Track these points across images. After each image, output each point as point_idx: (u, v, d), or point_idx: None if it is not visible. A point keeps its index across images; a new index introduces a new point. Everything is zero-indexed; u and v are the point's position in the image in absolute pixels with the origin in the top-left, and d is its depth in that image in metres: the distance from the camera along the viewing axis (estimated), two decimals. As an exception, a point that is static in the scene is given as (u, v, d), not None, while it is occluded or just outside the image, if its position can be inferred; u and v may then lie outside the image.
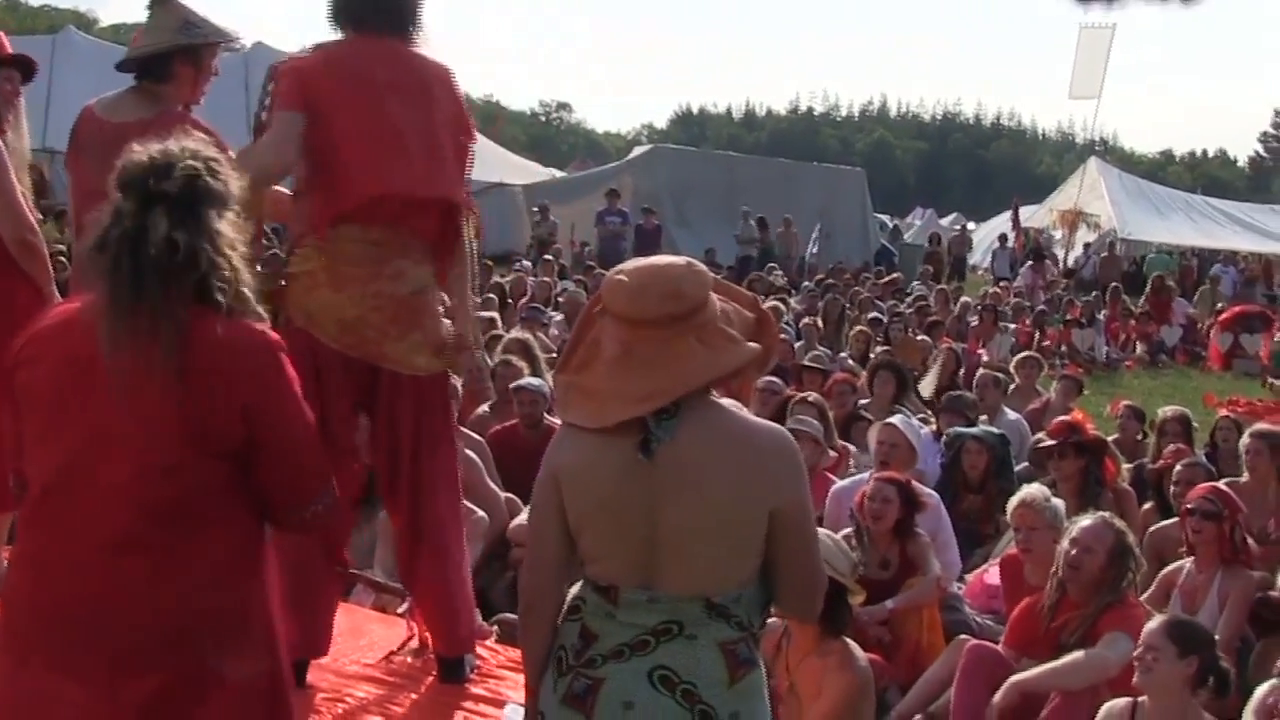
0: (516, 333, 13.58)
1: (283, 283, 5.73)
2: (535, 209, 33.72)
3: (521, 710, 5.62)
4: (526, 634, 3.94)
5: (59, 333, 3.62)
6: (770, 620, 3.91)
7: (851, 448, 11.42)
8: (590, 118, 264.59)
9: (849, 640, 6.27)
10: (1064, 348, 23.81)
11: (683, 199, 37.75)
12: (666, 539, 3.53)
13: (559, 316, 18.37)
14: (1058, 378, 15.80)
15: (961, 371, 16.67)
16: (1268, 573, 8.40)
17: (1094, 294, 29.41)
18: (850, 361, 17.05)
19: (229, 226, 3.62)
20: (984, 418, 12.95)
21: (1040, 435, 11.52)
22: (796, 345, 17.37)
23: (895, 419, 10.11)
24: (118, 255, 3.44)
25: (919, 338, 18.59)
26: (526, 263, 27.52)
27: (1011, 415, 13.51)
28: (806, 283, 28.24)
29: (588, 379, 3.65)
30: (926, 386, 13.68)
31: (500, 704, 6.00)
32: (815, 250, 35.31)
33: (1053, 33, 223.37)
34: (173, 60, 6.31)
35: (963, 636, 7.53)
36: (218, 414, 3.52)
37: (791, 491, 3.63)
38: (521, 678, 6.11)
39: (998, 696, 6.67)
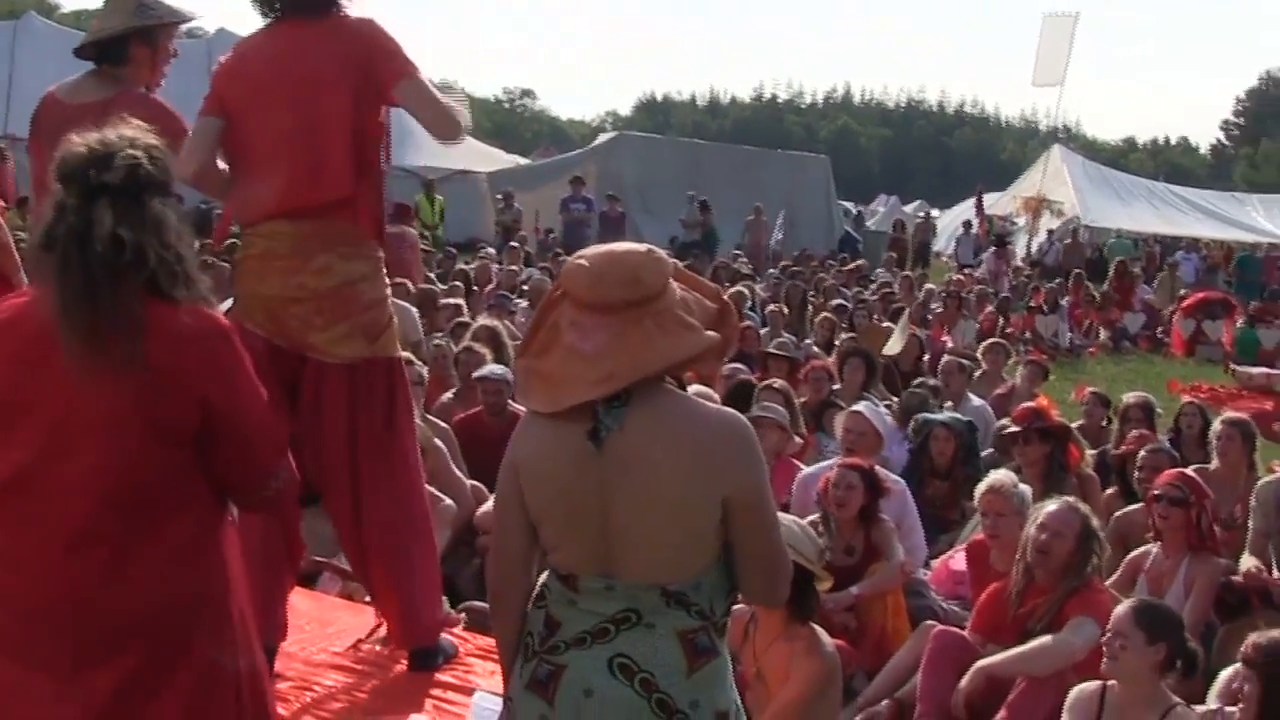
0: (485, 320, 13.51)
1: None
2: (500, 196, 33.63)
3: (490, 697, 5.66)
4: (497, 622, 3.98)
5: (6, 331, 3.59)
6: (737, 606, 3.90)
7: (825, 436, 11.42)
8: (554, 105, 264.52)
9: (816, 626, 6.28)
10: (1028, 334, 23.91)
11: (647, 186, 37.71)
12: (618, 528, 3.54)
13: (525, 304, 18.31)
14: (1023, 364, 15.82)
15: (926, 358, 16.73)
16: (1231, 559, 8.46)
17: (1057, 281, 29.53)
18: (815, 348, 17.06)
19: (173, 212, 3.60)
20: (949, 404, 12.99)
21: (1005, 421, 11.55)
22: (762, 332, 17.35)
23: (861, 406, 10.13)
24: (66, 254, 3.41)
25: (884, 325, 18.61)
26: (491, 249, 27.48)
27: (976, 401, 13.54)
28: (771, 269, 28.25)
29: (545, 363, 3.65)
30: (895, 344, 13.65)
31: (469, 691, 5.97)
32: (780, 237, 35.34)
33: (1016, 20, 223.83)
34: (129, 43, 6.32)
35: (929, 622, 7.55)
36: (175, 403, 3.52)
37: (745, 478, 3.61)
38: (491, 665, 6.19)
39: (964, 681, 6.71)
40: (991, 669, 6.70)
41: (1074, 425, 10.73)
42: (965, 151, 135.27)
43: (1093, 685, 6.20)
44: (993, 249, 36.29)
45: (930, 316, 22.25)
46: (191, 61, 8.24)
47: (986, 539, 7.88)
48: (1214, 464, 9.64)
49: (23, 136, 6.82)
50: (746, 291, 20.13)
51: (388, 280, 6.08)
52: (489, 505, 9.03)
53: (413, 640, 6.27)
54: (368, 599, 7.02)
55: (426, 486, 6.53)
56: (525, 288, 19.75)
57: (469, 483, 9.38)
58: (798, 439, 10.78)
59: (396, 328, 6.16)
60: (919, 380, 14.01)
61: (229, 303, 6.16)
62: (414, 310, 14.47)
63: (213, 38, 28.36)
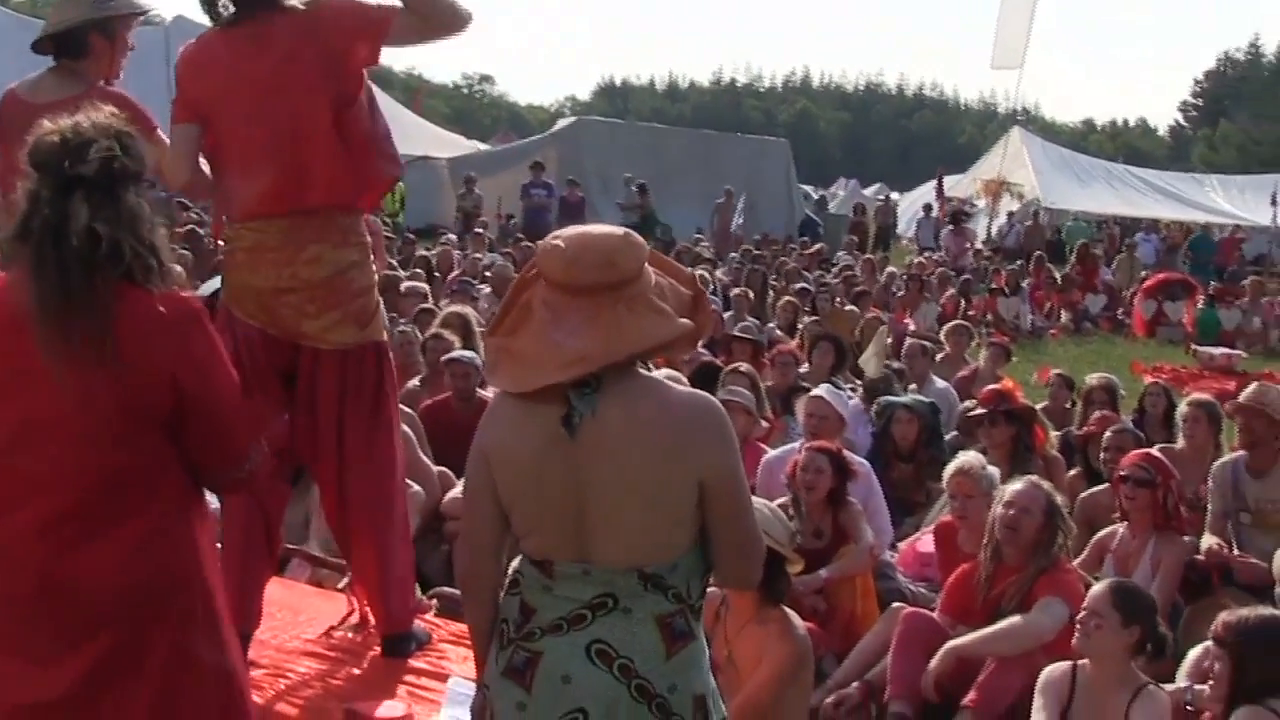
0: (455, 307, 13.47)
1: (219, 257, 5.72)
2: (462, 181, 33.56)
3: (465, 683, 5.66)
4: (469, 608, 3.97)
5: None
6: (708, 590, 3.90)
7: (791, 420, 11.43)
8: (513, 90, 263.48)
9: (788, 609, 6.29)
10: (989, 316, 23.96)
11: (607, 171, 37.68)
12: (594, 513, 3.54)
13: (487, 289, 18.27)
14: (985, 346, 15.88)
15: (889, 341, 16.76)
16: (1198, 539, 8.51)
17: (1018, 263, 29.65)
18: (778, 332, 17.07)
19: (146, 203, 3.61)
20: (913, 386, 13.03)
21: (969, 403, 11.59)
22: (726, 316, 17.35)
23: (822, 389, 10.15)
24: (40, 248, 3.42)
25: (848, 308, 18.64)
26: (452, 235, 27.41)
27: (940, 384, 13.59)
28: (733, 254, 28.27)
29: (516, 343, 3.64)
30: (870, 363, 13.67)
31: (443, 677, 5.96)
32: (740, 222, 35.35)
33: (975, 3, 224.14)
34: (87, 35, 6.30)
35: (897, 604, 7.58)
36: (148, 387, 3.53)
37: (719, 459, 3.61)
38: (464, 651, 6.18)
39: (934, 663, 6.73)
40: (961, 650, 6.73)
41: (1038, 407, 10.75)
42: (924, 134, 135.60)
43: (1064, 665, 6.23)
44: (949, 228, 36.45)
45: (892, 300, 22.30)
46: (149, 51, 8.19)
47: (955, 521, 7.90)
48: (1180, 444, 9.69)
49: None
50: (707, 275, 20.12)
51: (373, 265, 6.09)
52: (456, 492, 9.04)
53: (388, 622, 6.27)
54: (340, 585, 7.04)
55: None
56: (488, 274, 19.69)
57: (436, 469, 9.35)
58: (763, 422, 10.79)
59: (382, 311, 6.16)
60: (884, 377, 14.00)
61: (214, 282, 6.16)
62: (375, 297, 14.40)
63: (170, 26, 28.11)
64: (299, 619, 6.64)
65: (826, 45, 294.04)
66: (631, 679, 3.54)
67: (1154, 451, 8.63)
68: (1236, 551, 8.48)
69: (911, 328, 19.26)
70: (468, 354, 10.72)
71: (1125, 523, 8.19)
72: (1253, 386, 9.35)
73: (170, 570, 3.68)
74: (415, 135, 34.26)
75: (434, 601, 7.10)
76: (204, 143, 5.70)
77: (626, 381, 3.57)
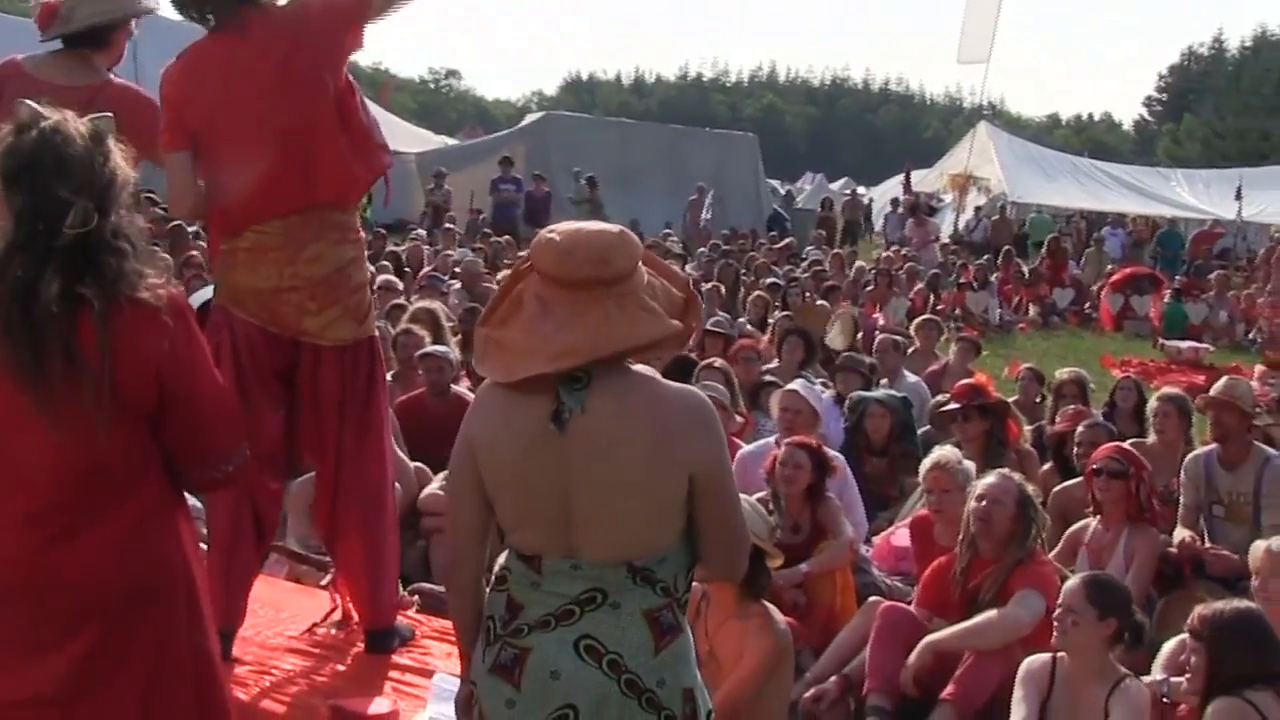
0: (425, 302, 13.46)
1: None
2: (431, 176, 33.48)
3: (449, 679, 5.66)
4: (452, 600, 3.98)
5: None
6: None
7: (761, 415, 11.45)
8: (480, 85, 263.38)
9: (769, 604, 6.32)
10: (958, 311, 24.01)
11: (575, 166, 37.58)
12: (583, 508, 3.55)
13: (457, 285, 18.26)
14: (955, 340, 15.92)
15: (859, 335, 16.80)
16: (1169, 533, 8.57)
17: (985, 257, 29.75)
18: (749, 326, 17.09)
19: (126, 224, 3.55)
20: (884, 381, 13.07)
21: (941, 398, 11.64)
22: (697, 309, 17.28)
23: (796, 384, 10.17)
24: (9, 315, 3.35)
25: (819, 303, 18.67)
26: (421, 231, 27.35)
27: (911, 378, 13.62)
28: (702, 249, 28.28)
29: (505, 334, 3.65)
30: (836, 340, 13.68)
31: (428, 674, 5.96)
32: (709, 217, 35.36)
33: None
34: (116, 28, 6.30)
35: (875, 598, 7.60)
36: (134, 381, 3.50)
37: (708, 454, 3.64)
38: (447, 647, 6.19)
39: (912, 657, 6.78)
40: (940, 644, 6.77)
41: (1009, 401, 10.81)
42: (890, 129, 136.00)
43: (1043, 658, 6.28)
44: (911, 220, 36.61)
45: (861, 295, 22.35)
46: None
47: (931, 514, 7.94)
48: (1151, 439, 9.75)
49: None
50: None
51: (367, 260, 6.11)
52: (433, 487, 9.05)
53: (376, 615, 6.28)
54: (323, 583, 7.04)
55: None
56: (458, 269, 19.67)
57: (412, 465, 9.34)
58: (738, 417, 10.80)
59: (375, 306, 6.19)
60: (846, 354, 14.00)
61: (204, 293, 6.15)
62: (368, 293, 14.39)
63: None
64: (281, 616, 6.62)
65: (793, 40, 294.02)
66: (621, 674, 3.56)
67: (1126, 445, 8.69)
68: (1208, 543, 8.55)
69: (881, 322, 19.29)
70: (441, 349, 10.74)
71: (1098, 516, 8.25)
72: (1223, 381, 9.42)
73: (154, 566, 3.67)
74: (383, 130, 34.13)
75: (415, 598, 7.10)
76: (202, 158, 5.64)
77: (616, 377, 3.58)
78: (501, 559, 3.78)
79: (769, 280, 21.50)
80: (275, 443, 5.81)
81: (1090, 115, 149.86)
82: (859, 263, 27.24)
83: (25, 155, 3.41)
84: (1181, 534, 8.54)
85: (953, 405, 10.11)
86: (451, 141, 46.09)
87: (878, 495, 10.25)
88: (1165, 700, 6.24)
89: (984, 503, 7.04)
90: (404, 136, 38.87)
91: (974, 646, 6.68)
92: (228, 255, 5.74)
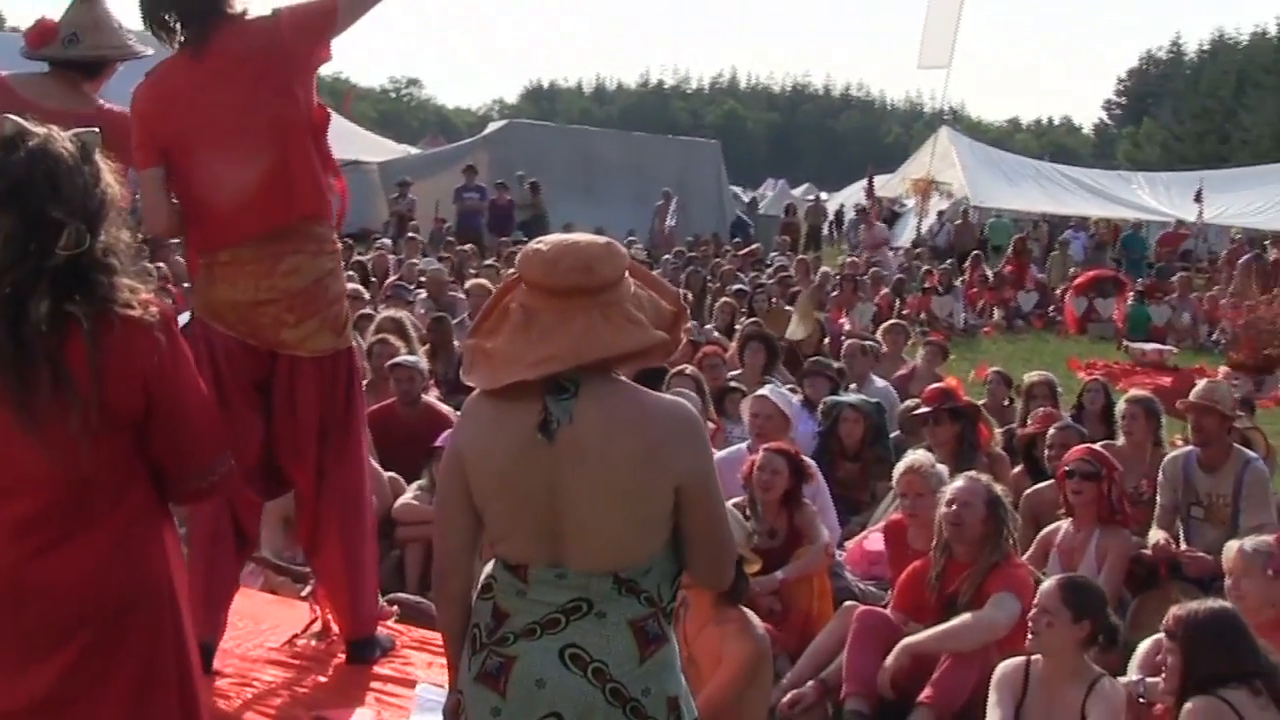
0: (392, 311, 13.44)
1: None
2: (395, 185, 33.44)
3: (432, 689, 5.67)
4: (441, 611, 3.98)
5: None
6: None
7: (727, 421, 11.47)
8: (440, 94, 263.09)
9: (746, 610, 6.34)
10: (923, 315, 24.10)
11: (538, 174, 37.57)
12: (570, 518, 3.55)
13: (423, 294, 18.24)
14: (922, 344, 15.99)
15: (826, 341, 16.84)
16: (1140, 533, 8.63)
17: (949, 261, 29.84)
18: (715, 333, 17.11)
19: (116, 240, 3.53)
20: (853, 386, 13.10)
21: (911, 402, 11.67)
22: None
23: (766, 389, 10.20)
24: None
25: (786, 308, 18.71)
26: (386, 240, 27.31)
27: (880, 383, 13.66)
28: (667, 255, 28.32)
29: (491, 343, 3.66)
30: (797, 330, 13.66)
31: (410, 684, 5.97)
32: (673, 223, 35.40)
33: (901, 3, 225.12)
34: (111, 62, 6.38)
35: (850, 603, 7.63)
36: (122, 397, 3.49)
37: (695, 465, 3.65)
38: (429, 656, 6.20)
39: (890, 660, 6.80)
40: (916, 647, 6.80)
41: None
42: (851, 134, 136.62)
43: (1017, 661, 6.31)
44: (861, 225, 36.84)
45: (826, 300, 22.39)
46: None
47: (905, 518, 7.96)
48: (1120, 441, 9.81)
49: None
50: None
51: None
52: (407, 497, 9.05)
53: (357, 625, 6.28)
54: (303, 594, 7.03)
55: None
56: (423, 278, 19.65)
57: (386, 475, 9.34)
58: (710, 424, 10.81)
59: (351, 317, 6.20)
60: (814, 359, 14.02)
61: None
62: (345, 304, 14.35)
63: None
64: (261, 628, 6.62)
65: (753, 46, 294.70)
66: (606, 683, 3.56)
67: (1096, 446, 8.75)
68: (1184, 544, 8.61)
69: (847, 327, 19.34)
70: (412, 358, 10.73)
71: (1070, 518, 8.31)
72: (1203, 384, 9.49)
73: (140, 576, 3.66)
74: (345, 139, 34.03)
75: (395, 608, 7.10)
76: (174, 178, 5.64)
77: (604, 388, 3.60)
78: (488, 568, 3.79)
79: (735, 287, 21.53)
80: (256, 454, 5.82)
81: (1050, 119, 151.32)
82: (823, 268, 27.30)
83: (16, 175, 3.38)
84: (1157, 535, 8.61)
85: (923, 409, 10.13)
86: (414, 150, 46.05)
87: (850, 500, 10.28)
88: (1141, 700, 6.28)
89: (954, 507, 7.08)
90: (366, 145, 38.89)
91: (951, 649, 6.72)
92: (205, 270, 5.73)
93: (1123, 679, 6.34)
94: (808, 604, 7.80)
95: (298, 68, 5.65)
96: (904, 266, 30.47)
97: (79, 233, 3.39)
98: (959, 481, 7.28)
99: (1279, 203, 44.19)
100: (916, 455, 8.17)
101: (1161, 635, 5.90)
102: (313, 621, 6.57)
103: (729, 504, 6.68)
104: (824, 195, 52.59)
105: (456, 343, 13.83)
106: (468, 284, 18.21)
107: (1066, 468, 8.24)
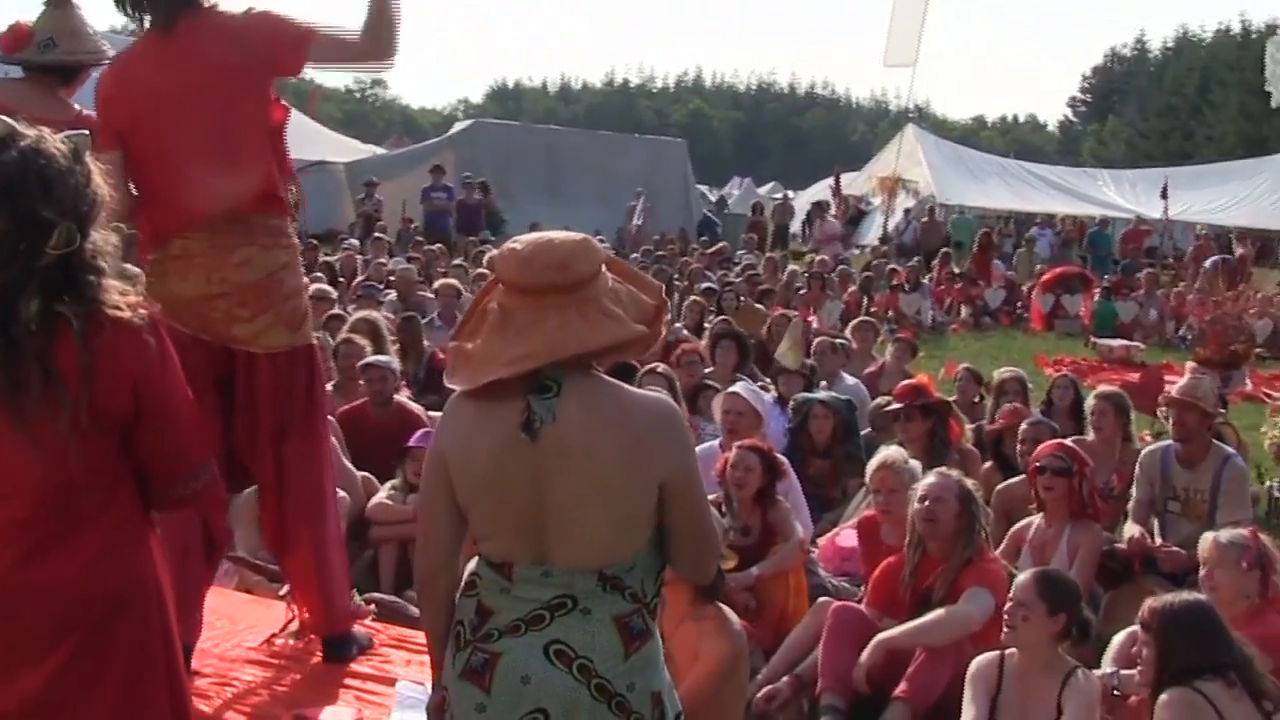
0: (363, 312, 13.44)
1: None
2: (362, 186, 33.38)
3: (413, 686, 5.67)
4: (425, 611, 3.99)
5: None
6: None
7: (701, 419, 11.47)
8: (405, 94, 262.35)
9: (724, 606, 6.35)
10: (891, 312, 24.13)
11: (505, 173, 37.60)
12: (554, 515, 3.56)
13: (392, 294, 18.21)
14: (891, 342, 16.02)
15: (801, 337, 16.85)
16: (1109, 528, 8.67)
17: (916, 259, 29.91)
18: (685, 331, 17.11)
19: (104, 242, 3.52)
20: (823, 383, 13.12)
21: (882, 399, 11.69)
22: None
23: (738, 386, 10.23)
24: None
25: (756, 306, 18.73)
26: (353, 240, 27.24)
27: (850, 380, 13.66)
28: (634, 254, 28.32)
29: (471, 344, 3.67)
30: (789, 357, 13.67)
31: (389, 681, 5.99)
32: (640, 223, 35.42)
33: (865, 2, 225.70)
34: (87, 67, 6.47)
35: (824, 599, 7.64)
36: (111, 399, 3.48)
37: (678, 461, 3.66)
38: (407, 654, 6.20)
39: (865, 655, 6.82)
40: (892, 642, 6.82)
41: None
42: (817, 132, 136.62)
43: (991, 656, 6.33)
44: (818, 221, 36.97)
45: (794, 298, 22.42)
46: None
47: (878, 515, 7.99)
48: (1090, 436, 9.86)
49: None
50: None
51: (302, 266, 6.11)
52: (381, 497, 9.04)
53: (329, 623, 6.27)
54: (281, 592, 7.02)
55: None
56: (392, 278, 19.61)
57: (359, 474, 9.33)
58: (683, 422, 10.79)
59: (310, 314, 6.19)
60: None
61: None
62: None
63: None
64: (238, 627, 6.63)
65: (718, 45, 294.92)
66: (591, 679, 3.57)
67: (1067, 441, 8.79)
68: (1160, 539, 8.65)
69: (815, 325, 19.35)
70: (383, 358, 10.72)
71: (1041, 513, 8.35)
72: (1185, 380, 9.56)
73: (128, 578, 3.66)
74: (311, 140, 33.97)
75: (373, 607, 7.10)
76: (128, 163, 5.65)
77: (587, 385, 3.61)
78: (471, 565, 3.80)
79: (704, 285, 21.54)
80: (218, 451, 5.81)
81: (1015, 117, 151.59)
82: (791, 266, 27.34)
83: (7, 175, 3.36)
84: (1133, 529, 8.64)
85: (895, 405, 10.16)
86: (379, 151, 45.94)
87: (821, 497, 10.28)
88: (1115, 693, 6.32)
89: (927, 503, 7.11)
90: (332, 146, 38.80)
91: (925, 643, 6.73)
92: (156, 265, 5.75)
93: (1097, 672, 6.36)
94: (782, 600, 7.81)
95: (258, 67, 5.71)
96: (871, 264, 30.49)
97: (69, 232, 3.37)
98: (931, 478, 7.30)
99: (1243, 199, 44.75)
100: (890, 451, 8.20)
101: (1135, 628, 5.93)
102: (290, 620, 6.57)
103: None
104: (790, 193, 52.59)
105: (426, 342, 13.84)
106: (436, 284, 18.17)
107: (1038, 464, 8.28)
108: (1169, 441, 9.12)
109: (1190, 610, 5.70)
